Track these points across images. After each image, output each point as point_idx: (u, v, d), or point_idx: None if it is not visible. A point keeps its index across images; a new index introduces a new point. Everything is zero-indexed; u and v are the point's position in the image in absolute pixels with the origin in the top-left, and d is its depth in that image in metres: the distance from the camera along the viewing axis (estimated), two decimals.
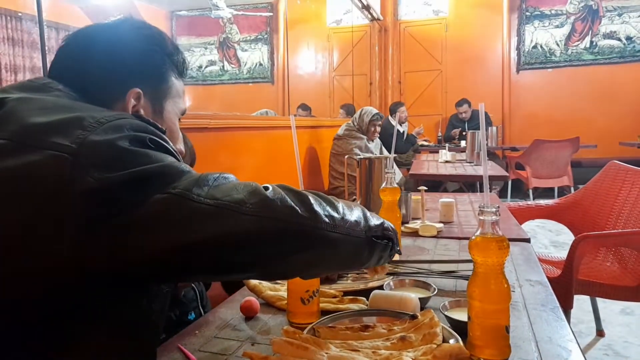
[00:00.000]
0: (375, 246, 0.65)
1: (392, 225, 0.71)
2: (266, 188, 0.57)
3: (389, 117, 5.47)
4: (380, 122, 3.82)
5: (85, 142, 0.52)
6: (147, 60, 0.72)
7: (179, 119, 0.79)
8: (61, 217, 0.50)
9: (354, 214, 0.63)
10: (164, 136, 0.61)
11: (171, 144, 0.61)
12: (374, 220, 0.66)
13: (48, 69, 0.71)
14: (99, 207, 0.50)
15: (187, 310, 1.18)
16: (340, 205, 0.62)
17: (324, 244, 0.58)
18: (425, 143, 5.91)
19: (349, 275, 1.02)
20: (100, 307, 0.54)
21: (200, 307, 1.22)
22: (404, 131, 5.55)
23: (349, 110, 5.73)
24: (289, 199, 0.56)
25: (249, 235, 0.53)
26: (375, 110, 3.82)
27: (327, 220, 0.58)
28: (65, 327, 0.53)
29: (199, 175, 0.56)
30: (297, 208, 0.56)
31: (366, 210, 0.67)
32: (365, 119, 3.72)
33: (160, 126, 0.62)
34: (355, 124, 3.77)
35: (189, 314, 1.18)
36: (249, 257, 0.55)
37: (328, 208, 0.59)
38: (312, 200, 0.58)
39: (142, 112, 0.70)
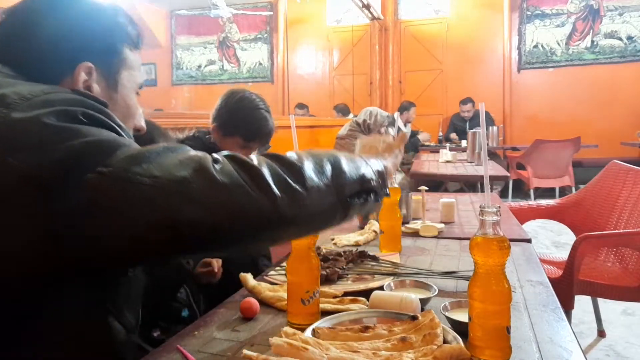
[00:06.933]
0: (351, 206, 0.59)
1: (377, 169, 0.64)
2: (216, 161, 0.51)
3: (395, 115, 5.48)
4: (387, 124, 3.83)
5: (6, 121, 0.48)
6: (96, 32, 0.66)
7: (137, 93, 0.74)
8: None
9: (325, 174, 0.57)
10: (105, 110, 0.55)
11: (114, 118, 0.55)
12: (351, 174, 0.59)
13: None
14: (24, 193, 0.46)
15: (180, 308, 1.20)
16: (307, 168, 0.55)
17: (284, 223, 0.53)
18: (426, 143, 5.91)
19: (350, 276, 1.02)
20: (54, 293, 0.51)
21: (194, 304, 1.24)
22: (405, 132, 5.56)
23: (342, 110, 5.76)
24: (240, 177, 0.50)
25: (196, 222, 0.48)
26: (386, 113, 3.82)
27: (285, 196, 0.51)
28: (17, 319, 0.50)
29: (138, 150, 0.50)
30: (249, 187, 0.50)
31: (342, 162, 0.60)
32: (378, 120, 3.68)
33: (101, 99, 0.57)
34: (362, 123, 3.72)
35: (182, 310, 1.20)
36: (198, 244, 0.50)
37: (289, 180, 0.53)
38: (267, 174, 0.51)
39: (95, 86, 0.65)
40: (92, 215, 0.47)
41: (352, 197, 0.59)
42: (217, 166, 0.50)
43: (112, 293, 0.60)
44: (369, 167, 0.63)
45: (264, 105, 1.54)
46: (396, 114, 1.83)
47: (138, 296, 0.69)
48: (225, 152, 0.54)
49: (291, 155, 0.57)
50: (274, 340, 0.65)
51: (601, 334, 2.16)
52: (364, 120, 3.72)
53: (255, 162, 0.53)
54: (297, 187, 0.53)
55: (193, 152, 0.52)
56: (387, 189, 0.67)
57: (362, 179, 0.61)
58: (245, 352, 0.65)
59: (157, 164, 0.48)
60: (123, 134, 0.55)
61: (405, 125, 5.60)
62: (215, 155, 0.52)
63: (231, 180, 0.50)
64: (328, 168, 0.58)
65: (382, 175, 0.65)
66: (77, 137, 0.48)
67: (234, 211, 0.49)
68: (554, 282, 1.58)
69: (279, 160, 0.55)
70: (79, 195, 0.46)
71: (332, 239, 1.34)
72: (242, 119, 1.49)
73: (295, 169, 0.54)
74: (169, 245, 0.50)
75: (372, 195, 0.63)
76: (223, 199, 0.49)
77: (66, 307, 0.53)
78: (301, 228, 0.57)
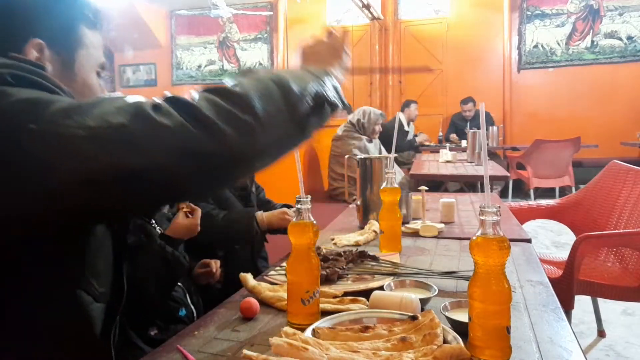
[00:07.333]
0: (308, 125, 0.57)
1: (327, 79, 0.61)
2: (155, 105, 0.47)
3: (398, 114, 5.47)
4: (382, 121, 3.84)
5: None
6: (48, 10, 0.64)
7: (98, 74, 0.71)
8: None
9: (272, 98, 0.53)
10: (40, 71, 0.53)
11: (50, 79, 0.53)
12: (301, 92, 0.56)
13: None
14: None
15: (177, 307, 1.20)
16: (253, 96, 0.52)
17: (237, 158, 0.50)
18: (426, 143, 5.90)
19: (350, 276, 1.02)
20: (15, 263, 0.50)
21: (190, 304, 1.24)
22: (407, 131, 5.54)
23: (347, 107, 5.75)
24: (180, 117, 0.47)
25: (140, 168, 0.45)
26: (379, 111, 3.84)
27: (233, 130, 0.48)
28: None
29: (70, 103, 0.47)
30: (191, 126, 0.46)
31: (289, 80, 0.56)
32: (372, 118, 3.71)
33: (37, 63, 0.55)
34: (356, 123, 3.75)
35: (179, 310, 1.20)
36: (147, 191, 0.47)
37: (237, 112, 0.49)
38: (210, 110, 0.48)
39: (48, 65, 0.63)
40: (30, 175, 0.44)
41: (307, 115, 0.57)
42: (156, 109, 0.47)
43: (74, 261, 0.58)
44: (317, 79, 0.60)
45: None
46: (398, 114, 1.83)
47: (107, 265, 0.67)
48: (167, 94, 0.51)
49: (233, 85, 0.53)
50: (274, 340, 0.65)
51: (601, 334, 2.16)
52: (358, 120, 3.76)
53: (197, 99, 0.50)
54: (246, 118, 0.50)
55: (132, 99, 0.49)
56: (342, 97, 0.64)
57: (315, 95, 0.58)
58: (245, 352, 0.65)
59: (92, 114, 0.45)
60: (61, 94, 0.52)
61: (408, 124, 5.59)
62: (155, 99, 0.49)
63: (172, 121, 0.47)
64: (275, 91, 0.55)
65: (333, 84, 0.63)
66: (4, 99, 0.46)
67: (178, 153, 0.46)
68: (554, 282, 1.58)
69: (222, 93, 0.51)
70: (12, 156, 0.44)
71: (332, 239, 1.34)
72: None
73: (240, 100, 0.51)
74: (115, 197, 0.47)
75: (327, 107, 0.60)
76: (165, 141, 0.46)
77: (27, 278, 0.52)
78: (258, 160, 0.55)
